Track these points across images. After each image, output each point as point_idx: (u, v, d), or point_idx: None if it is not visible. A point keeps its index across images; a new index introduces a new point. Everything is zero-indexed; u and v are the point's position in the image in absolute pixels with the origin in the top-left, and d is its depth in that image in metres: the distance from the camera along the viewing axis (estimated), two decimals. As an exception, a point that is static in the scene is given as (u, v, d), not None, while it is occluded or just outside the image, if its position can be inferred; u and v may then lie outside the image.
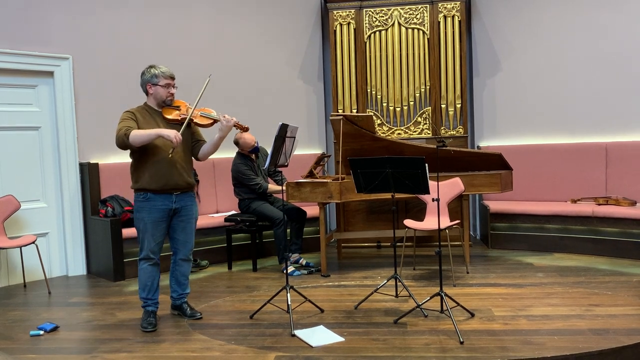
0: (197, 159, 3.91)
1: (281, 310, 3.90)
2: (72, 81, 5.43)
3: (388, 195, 4.06)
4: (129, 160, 5.40)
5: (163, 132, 3.52)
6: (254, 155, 5.43)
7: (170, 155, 3.56)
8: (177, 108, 3.78)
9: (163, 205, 3.72)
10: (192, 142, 3.86)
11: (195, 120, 3.73)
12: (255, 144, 5.37)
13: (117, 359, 3.25)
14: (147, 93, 3.78)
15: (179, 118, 3.72)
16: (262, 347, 3.32)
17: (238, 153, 5.44)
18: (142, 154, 3.67)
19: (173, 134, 3.49)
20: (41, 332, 3.72)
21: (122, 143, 3.56)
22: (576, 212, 5.57)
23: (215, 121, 3.76)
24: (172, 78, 3.76)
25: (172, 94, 3.77)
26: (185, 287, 3.96)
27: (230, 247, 5.52)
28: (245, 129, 3.86)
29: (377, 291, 4.14)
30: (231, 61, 6.38)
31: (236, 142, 5.39)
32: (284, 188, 4.90)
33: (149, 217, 3.71)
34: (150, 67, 3.75)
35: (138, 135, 3.53)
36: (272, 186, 5.37)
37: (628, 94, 5.92)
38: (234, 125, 3.75)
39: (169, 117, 3.73)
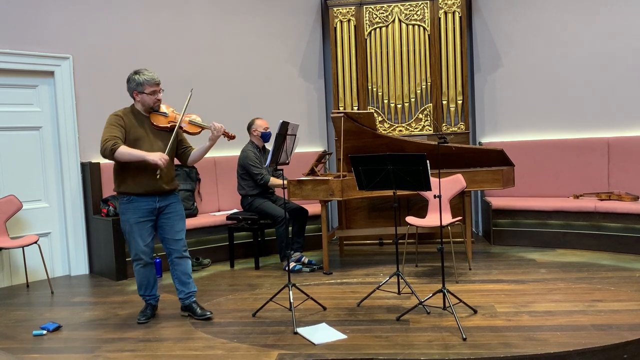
0: (185, 164, 3.96)
1: (283, 308, 3.90)
2: (72, 81, 5.43)
3: (390, 193, 4.06)
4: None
5: (148, 157, 3.56)
6: (263, 145, 5.45)
7: (157, 176, 3.61)
8: (165, 115, 3.78)
9: (147, 206, 3.76)
10: (180, 149, 3.89)
11: (184, 128, 3.76)
12: (267, 130, 5.38)
13: (119, 358, 3.25)
14: (133, 99, 3.80)
15: (168, 125, 3.74)
16: (264, 345, 3.32)
17: (250, 142, 5.45)
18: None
19: (158, 158, 3.55)
20: (44, 332, 3.73)
21: (107, 157, 3.62)
22: (579, 207, 5.56)
23: (203, 129, 3.77)
24: (158, 84, 3.75)
25: (159, 100, 3.78)
26: (190, 286, 3.95)
27: (232, 246, 5.53)
28: (233, 137, 3.86)
29: (379, 288, 4.14)
30: (231, 59, 6.38)
31: (251, 124, 5.41)
32: (285, 183, 4.90)
33: (133, 218, 3.75)
34: (135, 73, 3.73)
35: (125, 153, 3.57)
36: (274, 180, 5.37)
37: (630, 88, 5.90)
38: (223, 134, 3.77)
39: (157, 124, 3.74)
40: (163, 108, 3.80)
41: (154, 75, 3.73)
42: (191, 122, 3.78)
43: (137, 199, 3.73)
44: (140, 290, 3.92)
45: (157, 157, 3.55)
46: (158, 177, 3.61)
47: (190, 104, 3.85)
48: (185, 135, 3.94)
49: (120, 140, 3.61)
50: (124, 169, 3.73)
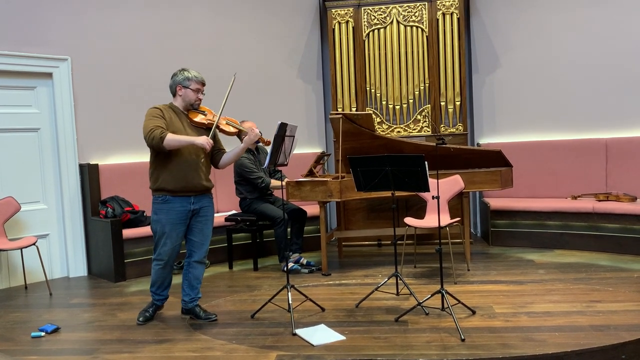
0: (216, 167, 3.95)
1: (282, 310, 3.90)
2: (71, 82, 5.43)
3: (388, 194, 4.06)
4: (128, 161, 5.36)
5: (196, 140, 3.58)
6: (256, 147, 5.43)
7: (202, 160, 3.69)
8: (203, 113, 3.84)
9: (181, 207, 3.73)
10: (214, 149, 3.87)
11: (221, 127, 3.80)
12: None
13: (118, 360, 3.25)
14: (174, 94, 3.82)
15: (206, 122, 3.78)
16: (263, 346, 3.32)
17: None
18: (168, 154, 3.67)
19: (205, 142, 3.58)
20: (42, 334, 3.72)
21: (157, 145, 3.55)
22: (577, 208, 5.57)
23: (239, 130, 3.85)
24: (203, 84, 3.83)
25: (200, 99, 3.83)
26: (197, 291, 3.94)
27: (231, 247, 5.53)
28: (268, 143, 3.90)
29: (378, 289, 4.14)
30: (230, 60, 6.37)
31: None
32: (284, 184, 4.90)
33: (167, 219, 3.72)
34: (183, 69, 3.81)
35: (173, 140, 3.55)
36: (274, 182, 5.36)
37: (628, 89, 5.91)
38: (259, 140, 3.82)
39: (195, 119, 3.78)
40: (201, 108, 3.88)
41: (201, 75, 3.83)
42: (228, 123, 3.85)
43: (172, 199, 3.70)
44: (152, 287, 3.91)
45: (205, 140, 3.57)
46: (202, 160, 3.68)
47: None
48: (220, 137, 3.97)
49: (165, 129, 3.59)
50: (163, 164, 3.69)
